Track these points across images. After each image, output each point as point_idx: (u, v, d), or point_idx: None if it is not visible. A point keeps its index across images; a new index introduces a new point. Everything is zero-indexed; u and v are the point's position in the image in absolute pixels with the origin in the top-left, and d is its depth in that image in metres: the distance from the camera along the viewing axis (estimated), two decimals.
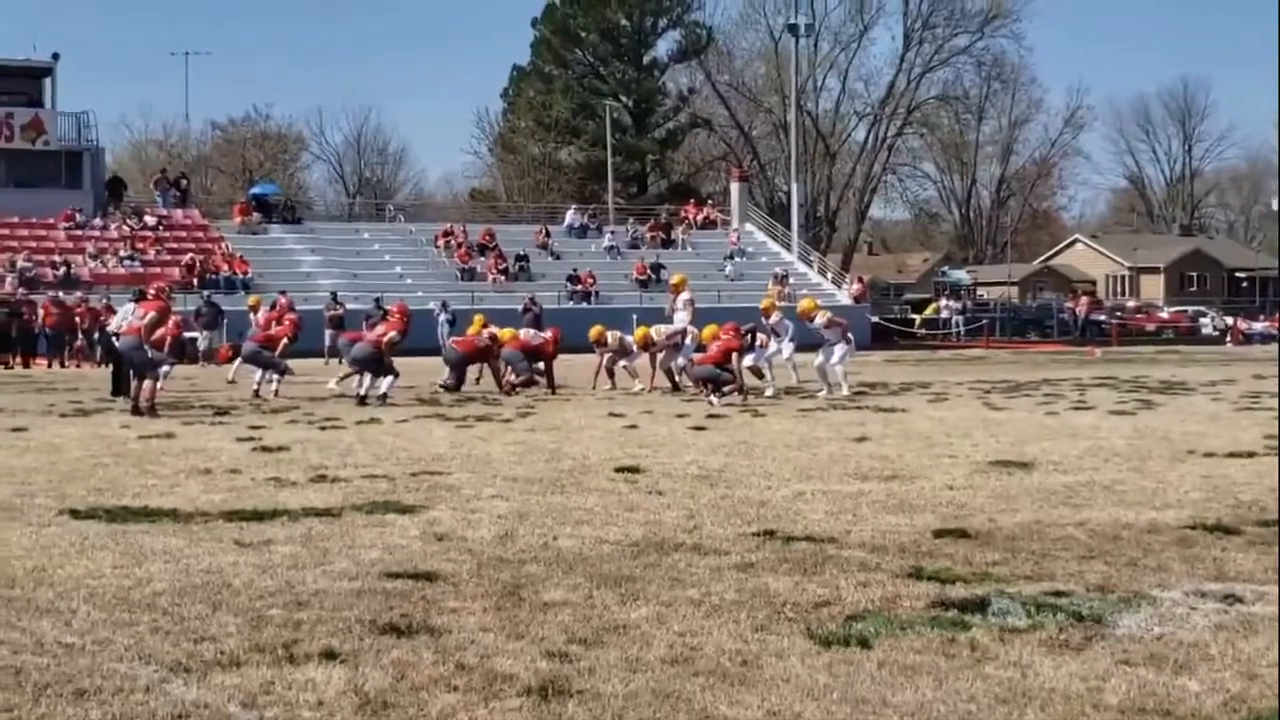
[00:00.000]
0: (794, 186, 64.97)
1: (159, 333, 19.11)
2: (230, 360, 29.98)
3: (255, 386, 22.09)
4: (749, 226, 60.43)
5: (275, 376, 22.14)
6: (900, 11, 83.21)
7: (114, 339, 21.89)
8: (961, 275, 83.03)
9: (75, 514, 9.28)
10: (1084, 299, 65.87)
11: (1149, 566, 7.50)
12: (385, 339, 20.73)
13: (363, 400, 19.92)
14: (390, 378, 20.50)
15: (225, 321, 38.95)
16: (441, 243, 52.80)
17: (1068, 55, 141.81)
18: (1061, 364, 34.88)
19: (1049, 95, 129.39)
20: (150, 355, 18.34)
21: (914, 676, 5.34)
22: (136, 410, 17.65)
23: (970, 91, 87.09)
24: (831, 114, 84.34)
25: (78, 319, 37.71)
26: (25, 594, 6.78)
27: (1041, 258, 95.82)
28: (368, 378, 20.45)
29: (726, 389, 20.12)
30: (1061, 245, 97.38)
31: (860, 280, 58.50)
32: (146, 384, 18.03)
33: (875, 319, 54.17)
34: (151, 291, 20.16)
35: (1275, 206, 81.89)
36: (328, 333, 37.81)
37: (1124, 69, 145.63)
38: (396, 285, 45.66)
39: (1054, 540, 8.31)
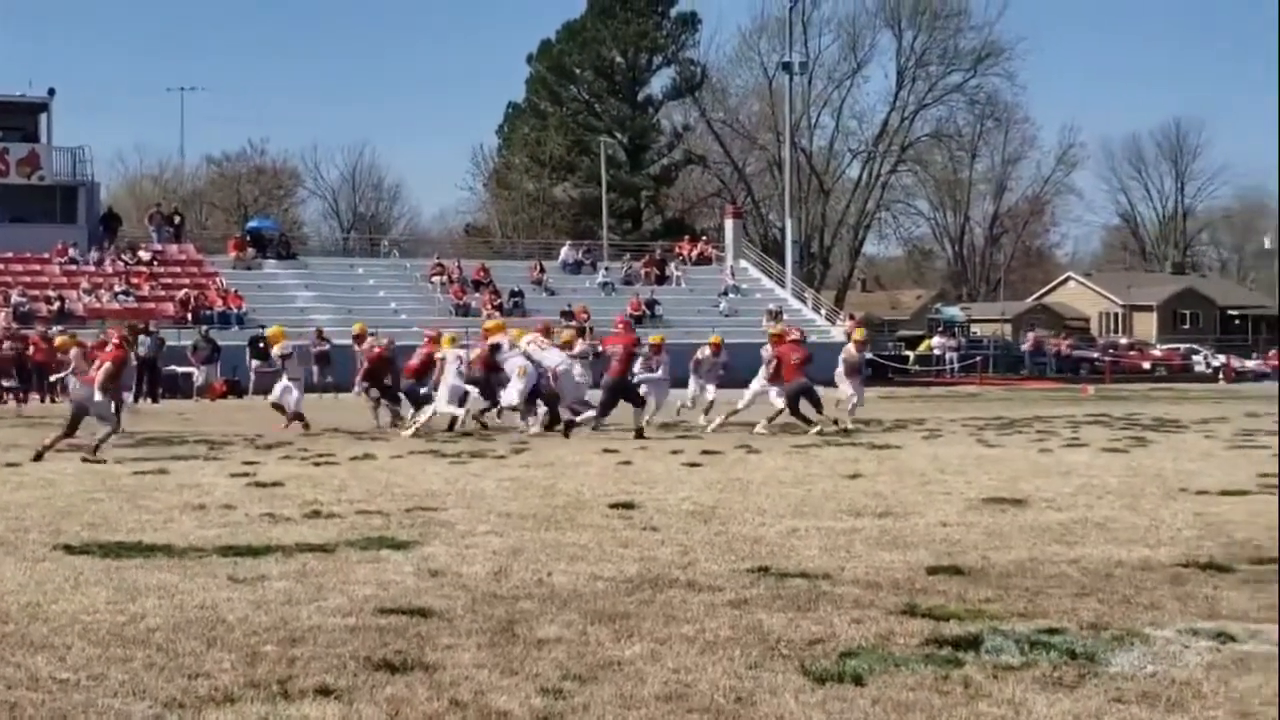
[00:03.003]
0: (788, 223, 65.09)
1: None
2: (224, 396, 30.01)
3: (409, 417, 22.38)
4: (743, 263, 60.52)
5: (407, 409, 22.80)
6: (893, 50, 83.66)
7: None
8: (955, 312, 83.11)
9: (69, 549, 9.27)
10: (1042, 336, 65.58)
11: (1142, 604, 7.51)
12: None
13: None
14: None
15: (220, 357, 38.97)
16: (436, 278, 52.86)
17: (1060, 94, 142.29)
18: (1055, 401, 34.92)
19: (1042, 133, 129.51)
20: (101, 404, 17.54)
21: (908, 713, 5.35)
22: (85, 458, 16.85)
23: (963, 129, 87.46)
24: (825, 151, 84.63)
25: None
26: (19, 629, 6.78)
27: (1035, 295, 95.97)
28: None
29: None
30: (1055, 283, 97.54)
31: (853, 317, 58.54)
32: (101, 430, 17.40)
33: (869, 355, 54.21)
34: (114, 340, 19.66)
35: (1268, 244, 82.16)
36: (314, 369, 37.79)
37: (1116, 108, 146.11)
38: (391, 320, 45.61)
39: (1047, 578, 8.32)
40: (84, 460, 16.21)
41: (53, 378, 29.79)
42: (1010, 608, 7.38)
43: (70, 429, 17.35)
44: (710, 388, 24.92)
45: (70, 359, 22.06)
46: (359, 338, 24.68)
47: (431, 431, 20.85)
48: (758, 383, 23.39)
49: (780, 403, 22.14)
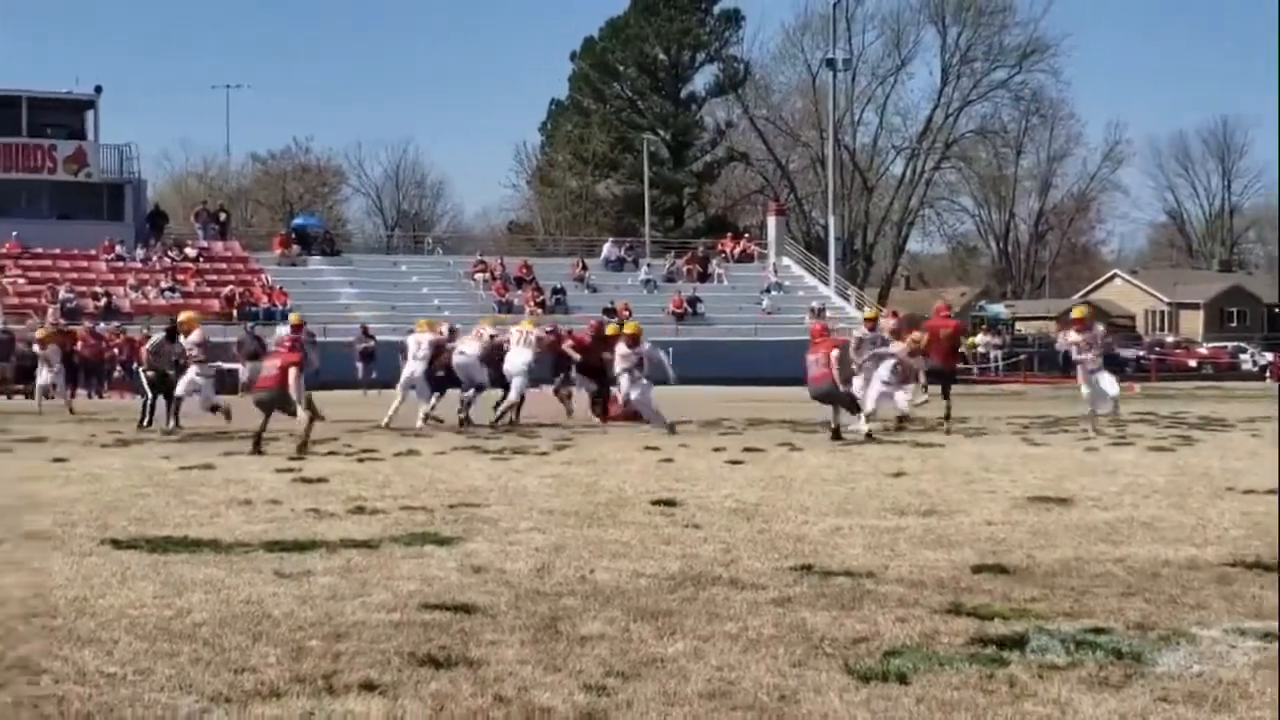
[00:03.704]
0: (831, 220, 64.99)
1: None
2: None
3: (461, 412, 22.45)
4: (786, 260, 60.47)
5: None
6: (938, 46, 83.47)
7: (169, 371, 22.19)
8: (999, 310, 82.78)
9: (116, 544, 9.33)
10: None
11: (1189, 604, 7.45)
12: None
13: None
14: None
15: (265, 354, 39.14)
16: (478, 275, 52.99)
17: (1106, 90, 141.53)
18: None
19: (1087, 130, 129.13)
20: (292, 401, 18.21)
21: (952, 713, 5.33)
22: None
23: (1008, 126, 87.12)
24: (869, 148, 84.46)
25: (116, 350, 37.96)
26: (67, 624, 6.83)
27: (1080, 293, 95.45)
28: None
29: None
30: (1100, 280, 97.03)
31: (896, 314, 58.35)
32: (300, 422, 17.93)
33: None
34: (288, 341, 20.34)
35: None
36: (358, 365, 37.99)
37: (1163, 104, 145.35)
38: (433, 317, 45.75)
39: (1093, 577, 8.27)
40: (297, 455, 16.62)
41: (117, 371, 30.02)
42: (1056, 607, 7.34)
43: (264, 424, 18.08)
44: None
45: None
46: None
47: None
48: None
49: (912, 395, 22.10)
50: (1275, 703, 5.51)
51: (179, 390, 21.81)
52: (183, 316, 23.96)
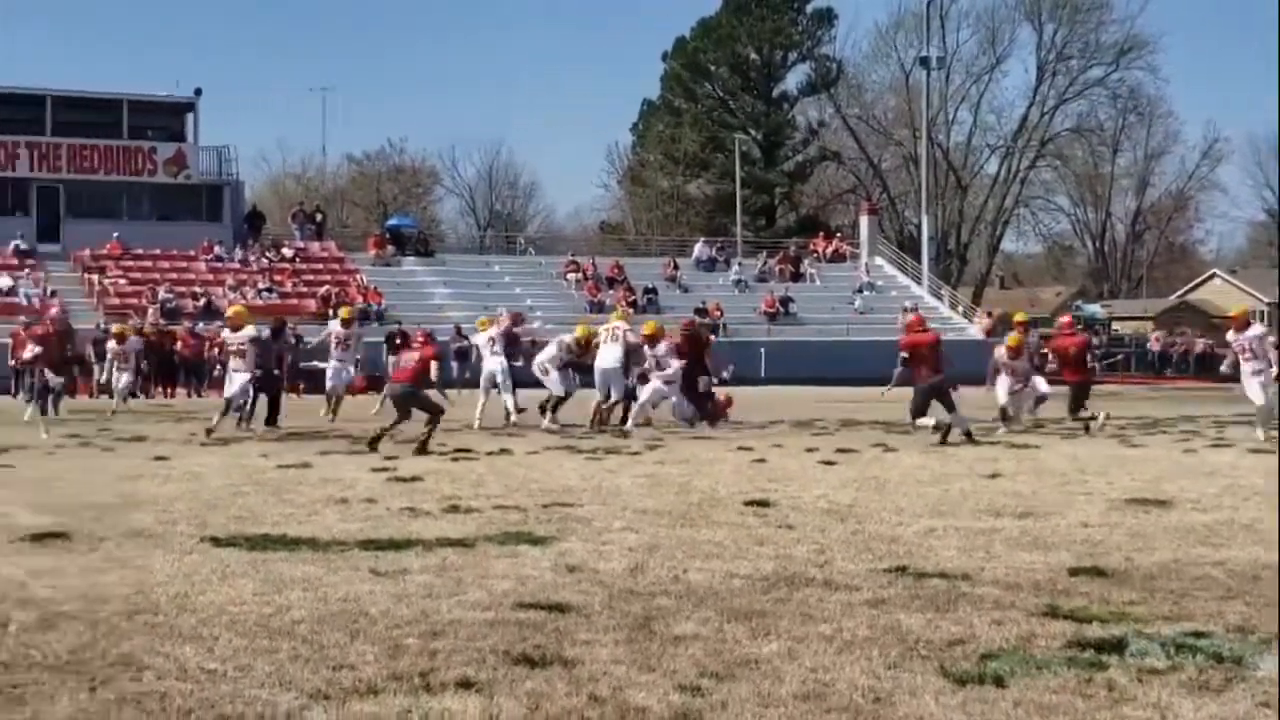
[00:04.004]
0: (924, 219, 64.61)
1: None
2: (364, 392, 30.30)
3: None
4: (878, 260, 60.14)
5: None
6: (1034, 44, 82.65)
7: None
8: (1096, 309, 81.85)
9: (216, 542, 9.46)
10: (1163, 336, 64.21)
11: None
12: None
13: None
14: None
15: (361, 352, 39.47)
16: (570, 275, 53.14)
17: (1204, 87, 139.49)
18: (1200, 400, 34.25)
19: (1185, 128, 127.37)
20: (423, 397, 18.42)
21: (1050, 717, 5.29)
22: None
23: (1105, 124, 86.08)
24: (963, 146, 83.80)
25: (216, 350, 38.44)
26: (168, 620, 6.93)
27: (1178, 292, 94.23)
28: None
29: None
30: (1198, 280, 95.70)
31: (990, 314, 57.91)
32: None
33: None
34: (421, 337, 20.73)
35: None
36: (454, 365, 38.17)
37: (1262, 102, 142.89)
38: (527, 317, 46.01)
39: (1193, 580, 8.17)
40: (416, 453, 16.82)
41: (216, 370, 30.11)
42: (1155, 610, 7.26)
43: (400, 419, 18.27)
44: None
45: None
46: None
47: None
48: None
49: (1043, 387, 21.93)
50: None
51: (227, 391, 21.76)
52: (230, 311, 23.68)
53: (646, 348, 22.00)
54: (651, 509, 11.44)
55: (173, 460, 15.94)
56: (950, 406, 19.34)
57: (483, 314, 28.27)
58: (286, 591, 7.65)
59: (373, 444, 17.39)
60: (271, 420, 22.11)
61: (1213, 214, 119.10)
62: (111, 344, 25.96)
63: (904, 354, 20.12)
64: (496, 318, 25.17)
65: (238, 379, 20.99)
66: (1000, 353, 22.30)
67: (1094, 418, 21.40)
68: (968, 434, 18.89)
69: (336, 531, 10.03)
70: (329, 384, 23.86)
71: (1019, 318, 25.69)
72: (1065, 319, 26.18)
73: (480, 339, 23.68)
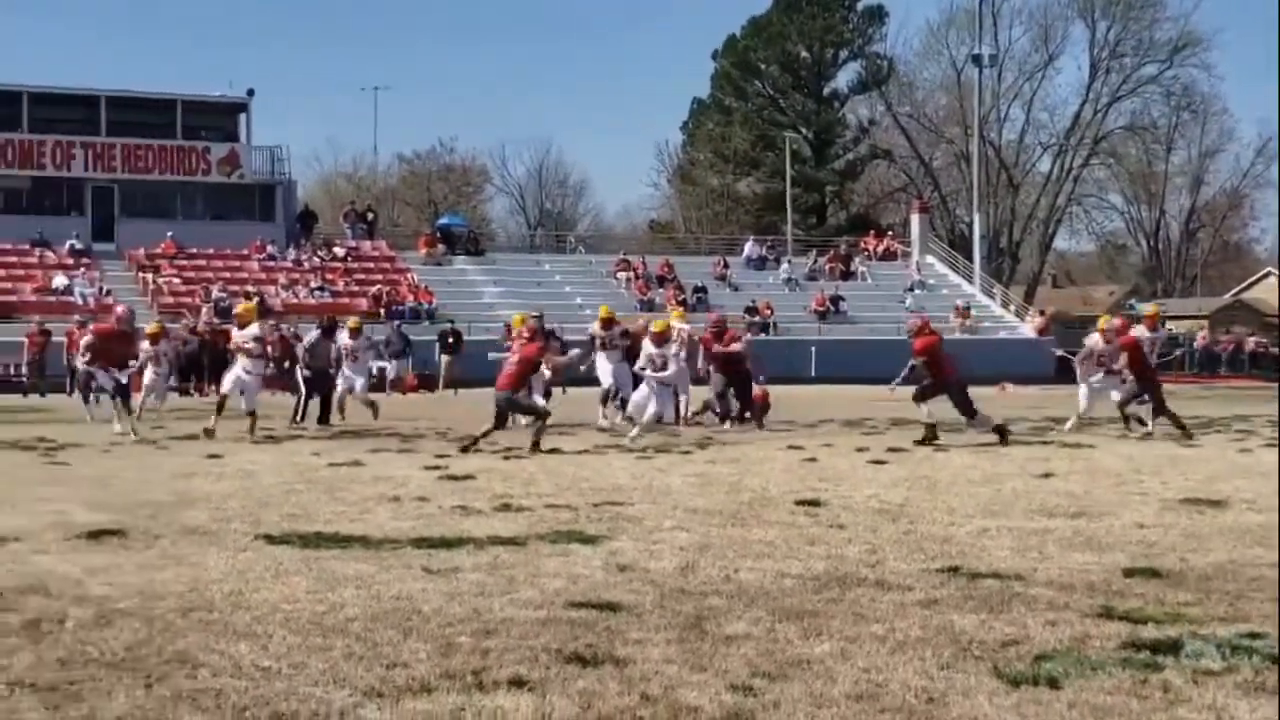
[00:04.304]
0: (976, 218, 64.27)
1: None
2: (416, 390, 30.43)
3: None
4: (929, 258, 59.87)
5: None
6: (1087, 41, 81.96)
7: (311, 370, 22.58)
8: (1150, 308, 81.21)
9: (270, 539, 9.52)
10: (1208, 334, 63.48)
11: None
12: None
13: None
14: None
15: (412, 352, 39.68)
16: (620, 274, 53.16)
17: (1259, 85, 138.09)
18: (1255, 399, 33.96)
19: (1240, 125, 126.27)
20: (520, 398, 18.32)
21: (1105, 718, 5.26)
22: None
23: (1159, 121, 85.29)
24: (1015, 144, 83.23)
25: (269, 348, 38.65)
26: (223, 617, 6.98)
27: (1232, 291, 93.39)
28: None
29: None
30: (1253, 279, 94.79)
31: (1043, 313, 57.56)
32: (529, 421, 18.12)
33: (1060, 352, 53.10)
34: (526, 334, 20.47)
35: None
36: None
37: None
38: (576, 316, 46.06)
39: (1249, 581, 8.10)
40: (530, 451, 16.85)
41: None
42: (1210, 611, 7.21)
43: (499, 423, 18.02)
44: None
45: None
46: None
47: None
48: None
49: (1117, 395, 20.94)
50: None
51: (224, 387, 21.55)
52: (239, 309, 23.64)
53: (653, 346, 21.36)
54: (702, 508, 11.44)
55: (226, 458, 16.04)
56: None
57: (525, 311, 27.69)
58: (340, 589, 7.69)
59: (466, 449, 17.23)
60: (324, 419, 22.21)
61: (1267, 212, 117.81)
62: (145, 344, 25.44)
63: (922, 358, 19.75)
64: (526, 316, 24.77)
65: (237, 375, 20.56)
66: (1094, 340, 21.93)
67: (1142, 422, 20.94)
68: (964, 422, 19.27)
69: (389, 529, 10.08)
70: (338, 391, 23.62)
71: (1149, 310, 25.08)
72: (1151, 313, 25.77)
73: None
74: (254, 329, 21.22)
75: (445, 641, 6.44)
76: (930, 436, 18.64)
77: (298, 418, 22.47)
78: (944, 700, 5.49)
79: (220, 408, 20.23)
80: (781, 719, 5.23)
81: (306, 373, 23.01)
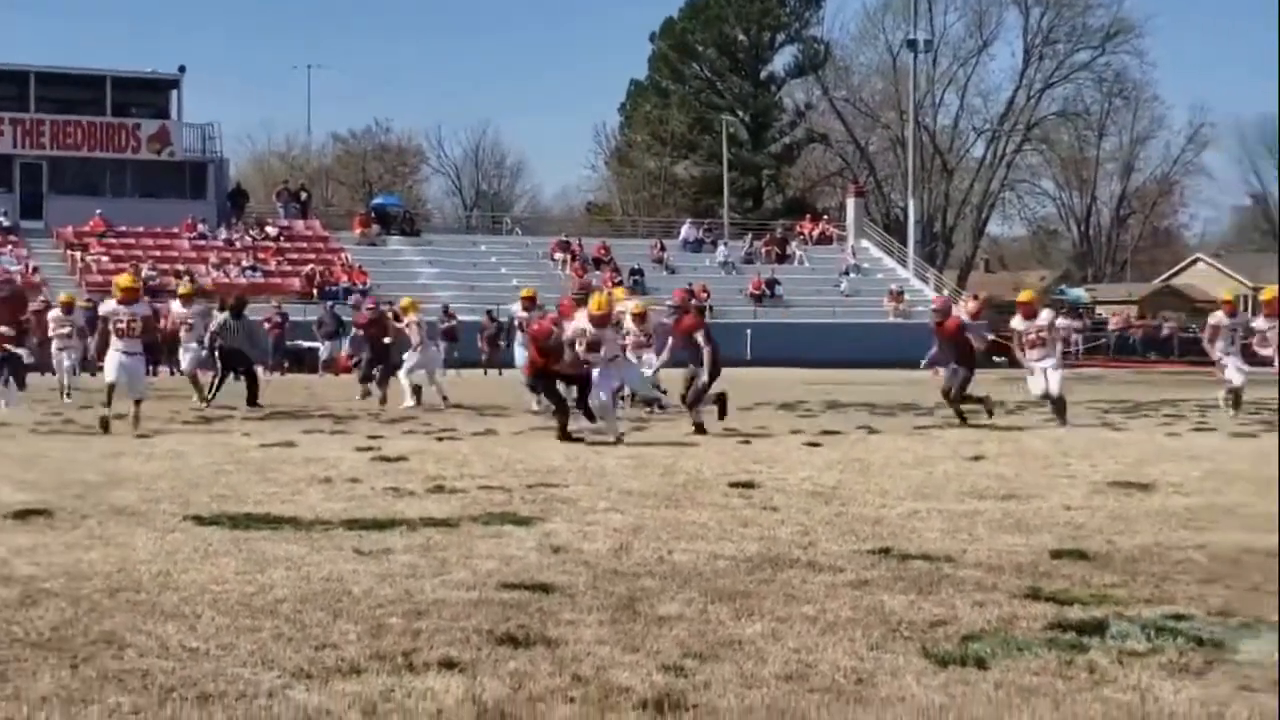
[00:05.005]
0: (911, 202, 64.69)
1: None
2: (349, 371, 30.16)
3: None
4: (865, 242, 60.20)
5: None
6: (1020, 27, 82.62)
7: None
8: (1080, 293, 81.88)
9: (199, 520, 9.45)
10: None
11: (1271, 591, 7.36)
12: None
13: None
14: None
15: (345, 333, 39.45)
16: (557, 256, 53.11)
17: (1191, 72, 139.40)
18: (1183, 385, 34.34)
19: (1171, 112, 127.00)
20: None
21: (1031, 698, 5.30)
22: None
23: (1091, 108, 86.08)
24: (949, 130, 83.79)
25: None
26: (151, 598, 6.92)
27: (1162, 277, 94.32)
28: None
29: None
30: (1183, 264, 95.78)
31: (975, 297, 57.93)
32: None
33: (992, 337, 53.50)
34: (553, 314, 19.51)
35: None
36: (440, 345, 38.08)
37: (1248, 87, 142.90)
38: (512, 298, 45.98)
39: (1174, 563, 8.19)
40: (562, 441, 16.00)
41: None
42: (1136, 593, 7.28)
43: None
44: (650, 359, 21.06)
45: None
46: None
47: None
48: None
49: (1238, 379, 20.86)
50: None
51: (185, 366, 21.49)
52: (182, 288, 23.68)
53: (634, 326, 21.05)
54: (636, 490, 11.44)
55: (155, 439, 15.92)
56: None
57: (470, 294, 27.47)
58: (269, 570, 7.65)
59: (565, 436, 16.26)
60: (252, 400, 22.05)
61: (1198, 199, 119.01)
62: (55, 312, 23.64)
63: (948, 340, 19.65)
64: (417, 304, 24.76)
65: (118, 360, 18.26)
66: (1219, 316, 21.76)
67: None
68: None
69: (320, 511, 10.02)
70: (185, 367, 23.49)
71: (1227, 296, 24.64)
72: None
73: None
74: (198, 306, 21.02)
75: (376, 623, 6.42)
76: (989, 410, 19.00)
77: (210, 396, 22.42)
78: (873, 680, 5.52)
79: (110, 397, 17.78)
80: (712, 699, 5.23)
81: (219, 351, 22.85)
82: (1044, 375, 19.01)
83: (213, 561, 7.92)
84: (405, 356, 23.08)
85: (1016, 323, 19.35)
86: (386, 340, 23.53)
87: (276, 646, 5.95)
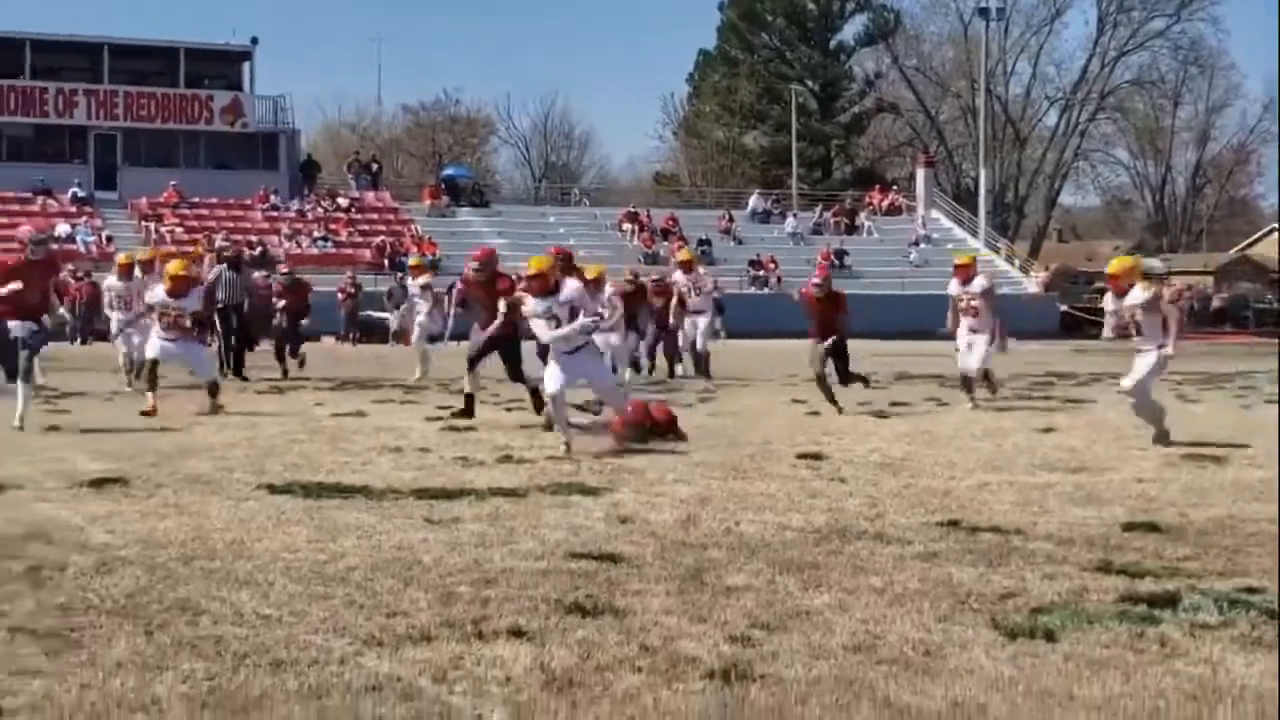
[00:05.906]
0: (982, 172, 64.13)
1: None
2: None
3: None
4: (935, 213, 59.79)
5: None
6: None
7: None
8: (1155, 263, 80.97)
9: (272, 489, 9.55)
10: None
11: None
12: None
13: None
14: None
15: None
16: (626, 226, 53.09)
17: (1267, 40, 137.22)
18: (1257, 356, 33.92)
19: (1247, 81, 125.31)
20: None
21: (1101, 670, 5.28)
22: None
23: (1166, 76, 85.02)
24: (1021, 99, 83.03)
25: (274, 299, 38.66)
26: (225, 566, 7.00)
27: (1238, 246, 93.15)
28: None
29: None
30: (1259, 234, 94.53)
31: (1048, 268, 57.49)
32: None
33: (1064, 308, 53.16)
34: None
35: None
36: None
37: None
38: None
39: (1247, 536, 8.12)
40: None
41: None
42: (1209, 566, 7.23)
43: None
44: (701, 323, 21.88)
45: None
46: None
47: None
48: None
49: None
50: None
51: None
52: (139, 255, 21.00)
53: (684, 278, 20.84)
54: (704, 461, 11.45)
55: (229, 408, 16.04)
56: None
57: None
58: (341, 539, 7.72)
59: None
60: (238, 369, 20.96)
61: (1274, 168, 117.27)
62: (110, 279, 20.96)
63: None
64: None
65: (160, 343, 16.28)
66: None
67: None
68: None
69: (391, 480, 10.10)
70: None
71: None
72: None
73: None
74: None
75: (445, 591, 6.47)
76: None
77: (224, 369, 20.57)
78: (941, 652, 5.51)
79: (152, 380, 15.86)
80: (779, 669, 5.24)
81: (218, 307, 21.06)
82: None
83: (285, 530, 8.00)
84: (418, 323, 22.92)
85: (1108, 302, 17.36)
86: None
87: (348, 614, 6.01)
